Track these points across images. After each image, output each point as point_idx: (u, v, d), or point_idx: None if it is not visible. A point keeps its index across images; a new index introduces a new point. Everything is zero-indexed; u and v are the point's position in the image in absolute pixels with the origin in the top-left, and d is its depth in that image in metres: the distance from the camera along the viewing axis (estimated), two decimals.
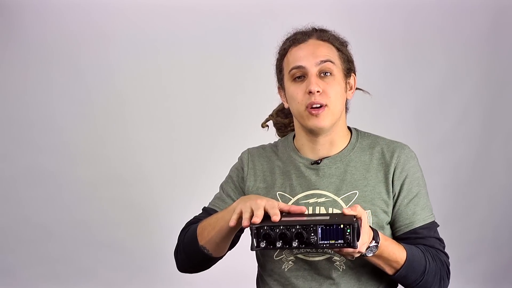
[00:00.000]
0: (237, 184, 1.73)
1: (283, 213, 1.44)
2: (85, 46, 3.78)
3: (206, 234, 1.58)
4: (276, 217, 1.39)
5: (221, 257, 1.66)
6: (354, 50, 1.59)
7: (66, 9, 3.76)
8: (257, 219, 1.39)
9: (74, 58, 3.78)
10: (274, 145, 1.78)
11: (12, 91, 3.81)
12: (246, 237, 1.62)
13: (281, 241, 1.37)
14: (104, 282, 3.79)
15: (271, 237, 1.37)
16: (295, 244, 1.37)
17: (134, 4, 3.76)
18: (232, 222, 1.45)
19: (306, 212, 1.53)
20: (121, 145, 3.81)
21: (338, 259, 1.58)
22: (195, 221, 1.70)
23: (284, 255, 1.62)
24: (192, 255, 1.64)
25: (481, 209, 3.80)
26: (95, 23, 3.77)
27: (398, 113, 3.78)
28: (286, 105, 1.72)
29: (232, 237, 1.60)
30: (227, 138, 3.66)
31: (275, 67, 1.74)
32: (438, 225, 1.67)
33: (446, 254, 1.66)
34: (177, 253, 1.69)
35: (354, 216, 1.40)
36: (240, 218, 1.46)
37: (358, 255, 1.45)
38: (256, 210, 1.42)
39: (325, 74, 1.62)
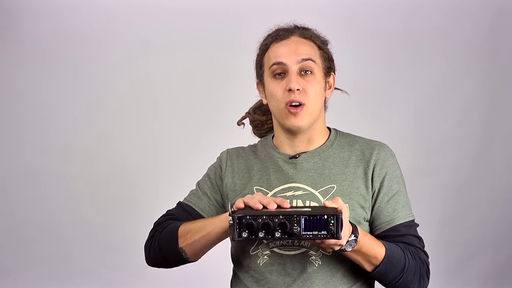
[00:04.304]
0: (214, 182, 1.72)
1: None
2: (85, 47, 3.78)
3: (189, 237, 1.57)
4: (257, 205, 1.39)
5: (195, 261, 1.64)
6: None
7: (66, 9, 3.77)
8: (272, 204, 1.40)
9: (74, 58, 3.79)
10: (254, 146, 1.79)
11: (12, 91, 3.81)
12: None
13: (263, 231, 1.35)
14: (104, 282, 3.79)
15: (253, 227, 1.35)
16: (277, 234, 1.35)
17: (132, 5, 3.76)
18: (241, 204, 1.42)
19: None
20: (121, 145, 3.81)
21: (314, 253, 1.57)
22: (170, 216, 1.69)
23: (260, 250, 1.60)
24: (168, 254, 1.63)
25: (481, 209, 3.80)
26: (95, 23, 3.78)
27: (398, 113, 3.78)
28: (264, 101, 1.72)
29: (215, 244, 1.59)
30: (228, 138, 3.66)
31: (255, 62, 1.73)
32: (418, 225, 1.66)
33: (425, 253, 1.64)
34: (150, 247, 1.67)
35: (335, 209, 1.39)
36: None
37: (338, 248, 1.44)
38: (262, 198, 1.42)
39: (306, 72, 1.62)
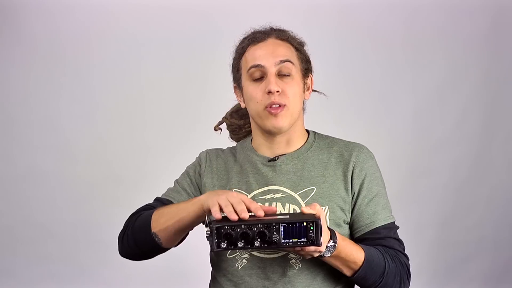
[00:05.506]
0: (193, 179, 1.71)
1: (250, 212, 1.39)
2: (86, 47, 3.78)
3: (163, 222, 1.54)
4: (233, 216, 1.35)
5: (168, 249, 1.62)
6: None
7: (67, 9, 3.77)
8: (245, 214, 1.35)
9: (74, 58, 3.78)
10: (233, 148, 1.78)
11: (12, 91, 3.81)
12: (198, 236, 1.60)
13: (242, 241, 1.32)
14: (104, 282, 3.79)
15: (232, 237, 1.32)
16: (257, 243, 1.33)
17: (133, 5, 3.76)
18: (218, 215, 1.37)
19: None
20: (121, 145, 3.81)
21: (294, 256, 1.55)
22: (148, 208, 1.67)
23: (238, 253, 1.59)
24: (141, 241, 1.60)
25: (481, 209, 3.79)
26: (96, 23, 3.78)
27: (397, 113, 3.78)
28: (242, 105, 1.71)
29: (190, 230, 1.57)
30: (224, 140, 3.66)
31: (231, 66, 1.72)
32: (398, 227, 1.64)
33: (406, 256, 1.63)
34: (124, 236, 1.65)
35: (314, 215, 1.37)
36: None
37: (317, 254, 1.42)
38: (237, 204, 1.37)
39: (284, 74, 1.61)
